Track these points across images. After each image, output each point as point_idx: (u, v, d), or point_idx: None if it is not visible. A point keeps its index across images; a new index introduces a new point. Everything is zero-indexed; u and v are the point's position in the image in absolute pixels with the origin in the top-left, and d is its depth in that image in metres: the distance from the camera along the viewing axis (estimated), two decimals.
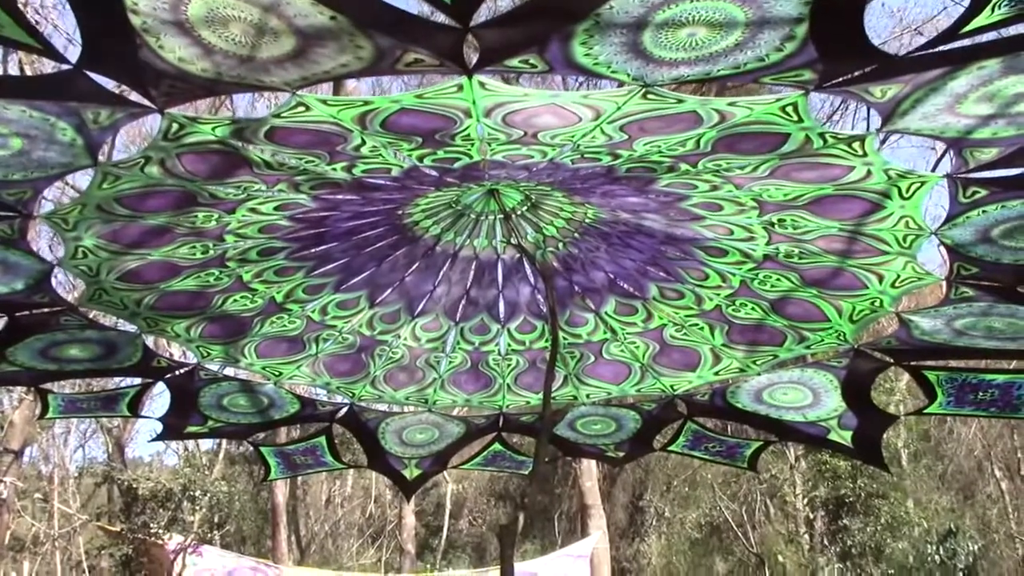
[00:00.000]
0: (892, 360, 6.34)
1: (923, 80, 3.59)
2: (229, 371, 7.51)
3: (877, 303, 5.78)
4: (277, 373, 7.20)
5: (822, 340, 6.40)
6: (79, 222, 4.91)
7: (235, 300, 6.17)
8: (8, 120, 3.73)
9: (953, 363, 6.35)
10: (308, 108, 3.94)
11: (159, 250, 5.39)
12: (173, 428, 7.71)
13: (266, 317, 6.50)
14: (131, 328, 6.23)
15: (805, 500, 27.07)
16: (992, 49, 3.41)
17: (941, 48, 3.33)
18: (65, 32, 16.13)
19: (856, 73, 3.54)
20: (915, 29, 18.94)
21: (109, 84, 3.64)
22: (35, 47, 3.18)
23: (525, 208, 5.89)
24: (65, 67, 3.28)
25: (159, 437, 7.83)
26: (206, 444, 30.91)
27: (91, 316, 5.96)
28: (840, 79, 3.60)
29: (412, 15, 3.31)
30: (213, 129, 4.21)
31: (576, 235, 6.18)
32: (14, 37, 3.08)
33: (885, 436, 7.21)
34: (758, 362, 6.84)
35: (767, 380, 6.95)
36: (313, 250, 5.98)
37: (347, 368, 7.35)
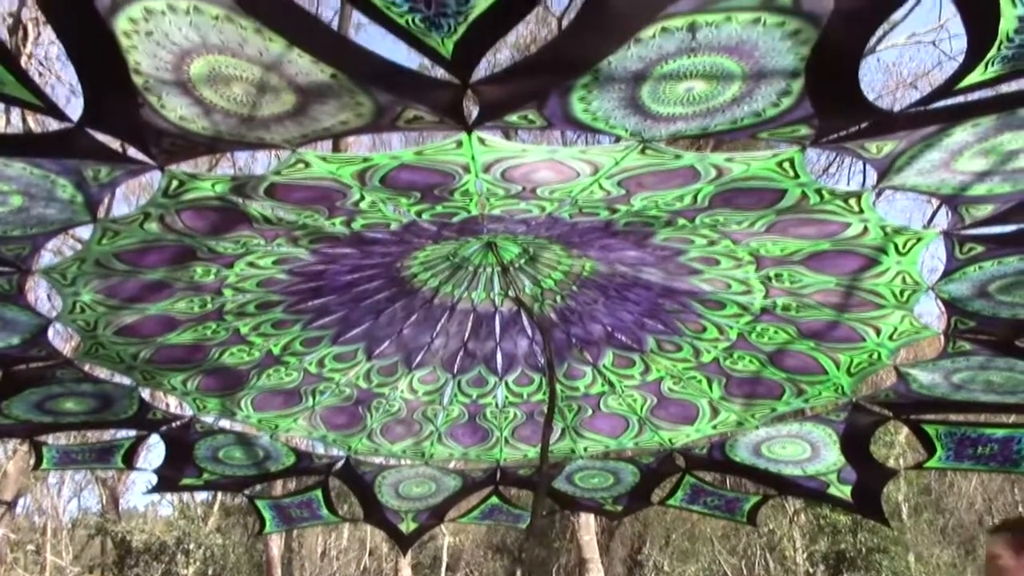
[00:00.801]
0: (891, 414, 6.31)
1: (919, 136, 3.62)
2: (225, 423, 7.45)
3: (875, 356, 5.77)
4: (273, 426, 7.16)
5: (820, 393, 6.37)
6: (77, 277, 4.91)
7: (232, 353, 6.15)
8: (9, 177, 3.75)
9: (952, 417, 6.32)
10: (308, 165, 3.96)
11: (157, 304, 5.38)
12: (168, 480, 7.64)
13: (263, 370, 6.47)
14: (127, 381, 6.19)
15: (805, 554, 26.82)
16: (987, 106, 3.43)
17: (936, 104, 3.35)
18: (68, 83, 16.25)
19: (852, 129, 3.56)
20: (910, 83, 19.16)
21: (110, 141, 3.66)
22: (37, 105, 3.19)
23: (523, 261, 5.91)
24: (67, 125, 3.30)
25: (154, 489, 7.76)
26: (201, 495, 30.67)
27: (87, 369, 5.92)
28: (836, 135, 3.62)
29: (412, 71, 3.34)
30: (213, 186, 4.23)
31: (574, 288, 6.19)
32: (17, 95, 3.10)
33: (885, 490, 7.16)
34: (756, 415, 6.82)
35: (765, 433, 6.92)
36: (311, 303, 5.98)
37: (344, 421, 7.31)
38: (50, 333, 5.38)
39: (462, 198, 4.44)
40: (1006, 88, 3.28)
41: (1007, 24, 2.72)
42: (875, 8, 2.76)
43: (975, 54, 2.89)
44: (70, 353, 5.88)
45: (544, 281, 6.14)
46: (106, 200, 4.29)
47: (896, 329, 5.44)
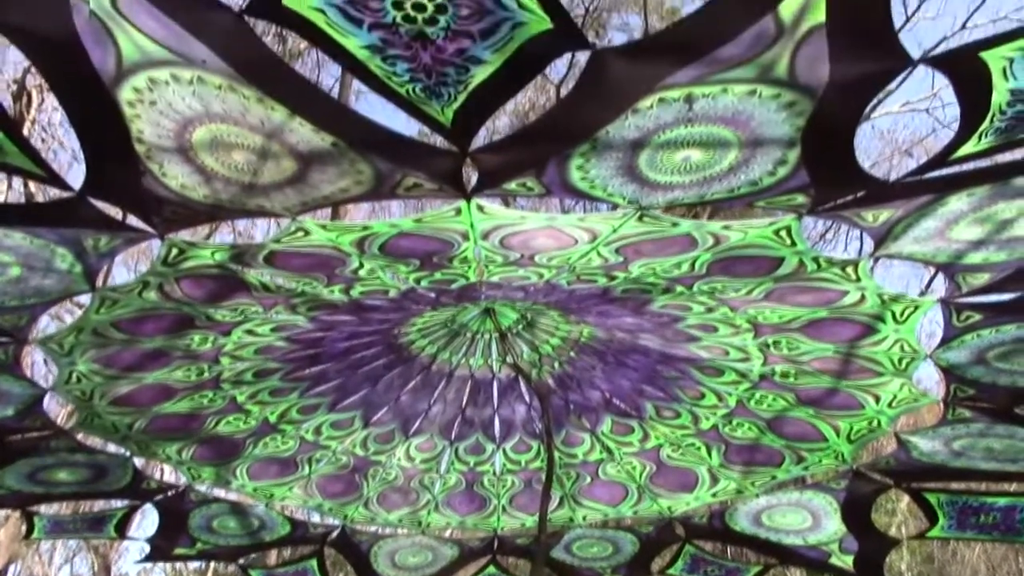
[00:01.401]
0: (892, 482, 6.25)
1: (914, 205, 3.65)
2: (219, 492, 7.36)
3: (875, 423, 5.74)
4: (269, 495, 7.07)
5: (820, 460, 6.32)
6: (74, 347, 4.88)
7: (228, 422, 6.10)
8: (8, 248, 3.75)
9: (954, 485, 6.25)
10: (308, 233, 3.97)
11: (154, 373, 5.35)
12: (161, 550, 7.51)
13: (259, 438, 6.41)
14: (121, 451, 6.13)
15: None
16: (981, 175, 3.47)
17: (931, 174, 3.38)
18: (71, 149, 16.38)
19: (848, 198, 3.59)
20: (905, 151, 19.36)
21: (110, 209, 3.67)
22: (40, 175, 3.21)
23: (521, 327, 5.91)
24: (69, 194, 3.31)
25: (147, 559, 7.61)
26: (194, 563, 30.13)
27: (80, 438, 5.86)
28: (832, 203, 3.64)
29: (412, 139, 3.37)
30: (212, 254, 4.24)
31: (572, 353, 6.17)
32: (20, 165, 3.12)
33: (888, 559, 7.05)
34: (756, 483, 6.75)
35: (766, 502, 6.84)
36: (308, 370, 5.95)
37: (340, 489, 7.22)
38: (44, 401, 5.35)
39: (461, 265, 4.45)
40: (999, 158, 3.31)
41: (999, 97, 2.77)
42: (869, 81, 2.80)
43: (969, 126, 2.93)
44: (64, 422, 5.82)
45: (542, 347, 6.13)
46: (104, 268, 4.28)
47: (895, 397, 5.42)
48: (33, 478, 6.00)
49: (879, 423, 5.73)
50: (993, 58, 2.63)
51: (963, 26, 16.69)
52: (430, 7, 2.48)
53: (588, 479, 7.24)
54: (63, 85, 2.86)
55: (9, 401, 5.06)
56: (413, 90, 2.84)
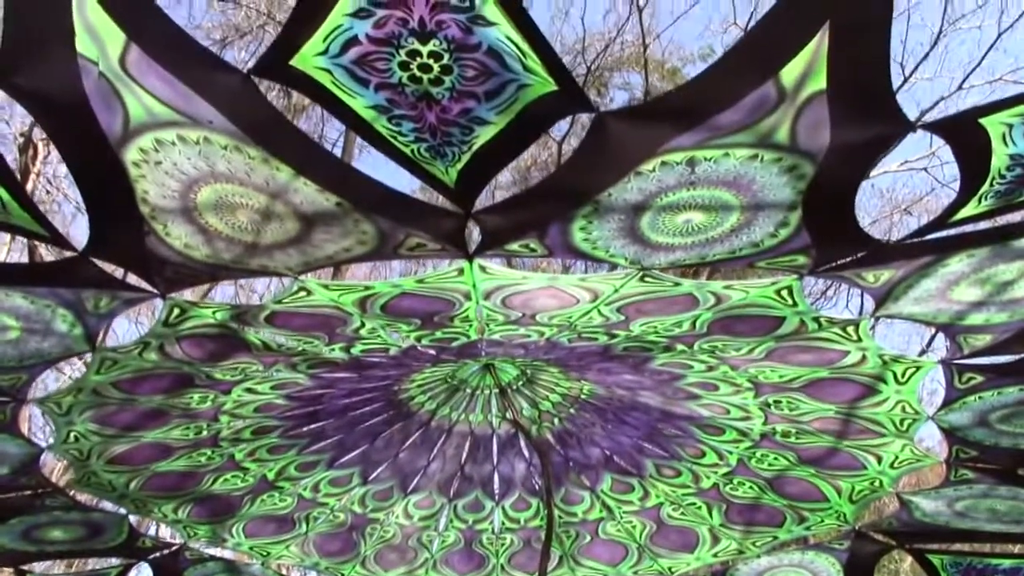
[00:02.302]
0: (895, 543, 6.19)
1: (915, 266, 3.66)
2: (215, 551, 7.27)
3: (876, 483, 5.69)
4: (265, 553, 6.99)
5: (822, 520, 6.26)
6: (73, 407, 4.85)
7: (226, 479, 6.05)
8: (7, 309, 3.74)
9: (957, 546, 6.20)
10: (310, 292, 3.98)
11: (152, 432, 5.31)
12: None
13: (256, 495, 6.35)
14: (117, 509, 6.07)
15: None
16: (981, 237, 3.49)
17: (931, 236, 3.40)
18: (74, 202, 16.43)
19: (849, 259, 3.60)
20: (904, 209, 19.46)
21: (112, 269, 3.68)
22: (43, 235, 3.22)
23: (521, 383, 5.88)
24: (71, 254, 3.32)
25: None
26: None
27: (75, 495, 5.80)
28: (833, 264, 3.66)
29: (416, 200, 3.39)
30: (213, 313, 4.24)
31: (572, 410, 6.14)
32: (24, 226, 3.13)
33: None
34: (757, 543, 6.68)
35: (767, 563, 6.77)
36: (307, 427, 5.91)
37: (337, 548, 7.14)
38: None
39: (462, 324, 4.45)
40: (999, 221, 3.34)
41: (999, 162, 2.80)
42: (870, 145, 2.82)
43: (968, 189, 2.96)
44: (59, 478, 5.77)
45: (542, 403, 6.10)
46: (104, 327, 4.27)
47: (897, 457, 5.39)
48: (27, 536, 5.92)
49: (881, 483, 5.69)
50: (992, 124, 2.66)
51: (959, 87, 16.91)
52: (436, 68, 2.52)
53: (588, 538, 7.16)
54: (70, 146, 2.88)
55: (5, 461, 5.01)
56: (418, 150, 2.86)
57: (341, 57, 2.51)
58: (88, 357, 4.50)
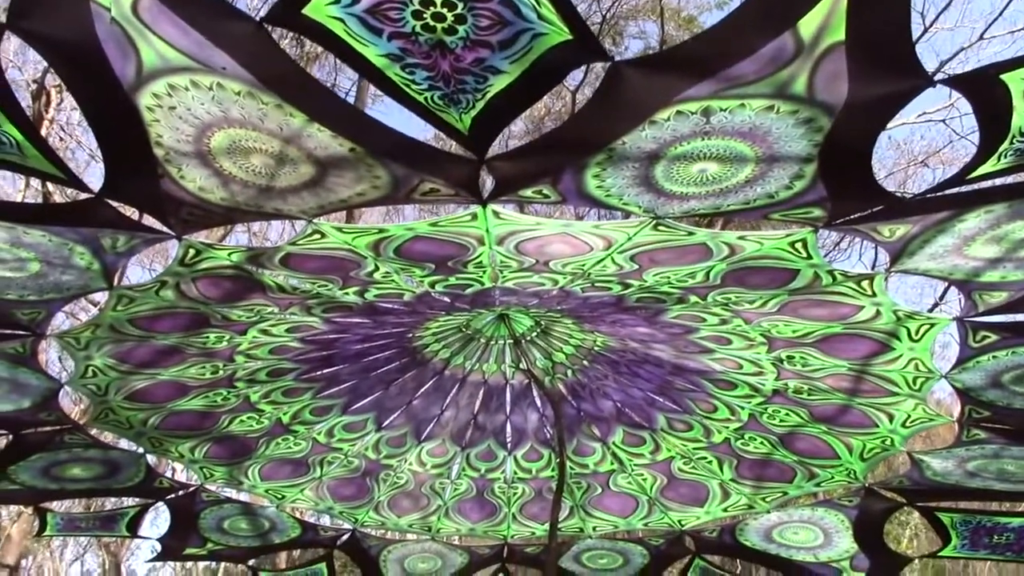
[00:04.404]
0: (904, 501, 6.22)
1: (931, 221, 3.63)
2: (231, 493, 7.39)
3: (888, 442, 5.71)
4: (280, 496, 7.10)
5: (832, 477, 6.30)
6: (91, 342, 4.93)
7: (241, 421, 6.13)
8: (27, 244, 3.79)
9: (967, 505, 6.22)
10: (324, 235, 4.00)
11: (169, 370, 5.39)
12: (171, 549, 7.55)
13: (272, 439, 6.44)
14: (135, 448, 6.17)
15: None
16: (998, 194, 3.45)
17: (948, 191, 3.37)
18: (88, 149, 16.46)
19: (864, 213, 3.58)
20: (921, 161, 19.22)
21: (128, 210, 3.70)
22: (59, 177, 3.24)
23: (535, 334, 5.91)
24: (87, 195, 3.34)
25: (157, 558, 7.66)
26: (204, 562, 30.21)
27: (94, 434, 5.90)
28: (849, 218, 3.64)
29: (429, 146, 3.39)
30: (229, 255, 4.27)
31: (585, 362, 6.17)
32: (41, 168, 3.15)
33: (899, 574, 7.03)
34: (767, 499, 6.73)
35: (777, 518, 6.83)
36: (322, 372, 5.98)
37: (351, 493, 7.25)
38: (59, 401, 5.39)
39: (476, 270, 4.46)
40: (1018, 177, 3.30)
41: (1019, 119, 2.75)
42: (888, 99, 2.79)
43: (988, 146, 2.92)
44: (79, 418, 5.86)
45: (555, 355, 6.13)
46: (122, 266, 4.32)
47: (909, 416, 5.39)
48: (47, 473, 6.04)
49: (892, 442, 5.70)
50: (1014, 80, 2.62)
51: (980, 37, 16.61)
52: (449, 17, 2.50)
53: (599, 490, 7.24)
54: (83, 90, 2.89)
55: (26, 393, 5.11)
56: (431, 98, 2.85)
57: (354, 6, 2.49)
58: (104, 297, 4.56)
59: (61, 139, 15.89)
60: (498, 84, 2.76)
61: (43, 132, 13.87)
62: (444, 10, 2.48)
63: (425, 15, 2.49)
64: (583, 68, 15.63)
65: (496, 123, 3.03)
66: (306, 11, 2.50)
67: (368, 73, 2.79)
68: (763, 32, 2.55)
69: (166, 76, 2.78)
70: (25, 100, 14.37)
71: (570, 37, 2.54)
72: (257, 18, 2.56)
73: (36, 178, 3.36)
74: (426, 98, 2.85)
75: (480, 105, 2.88)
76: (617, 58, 2.68)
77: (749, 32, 2.57)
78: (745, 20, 2.55)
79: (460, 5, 2.46)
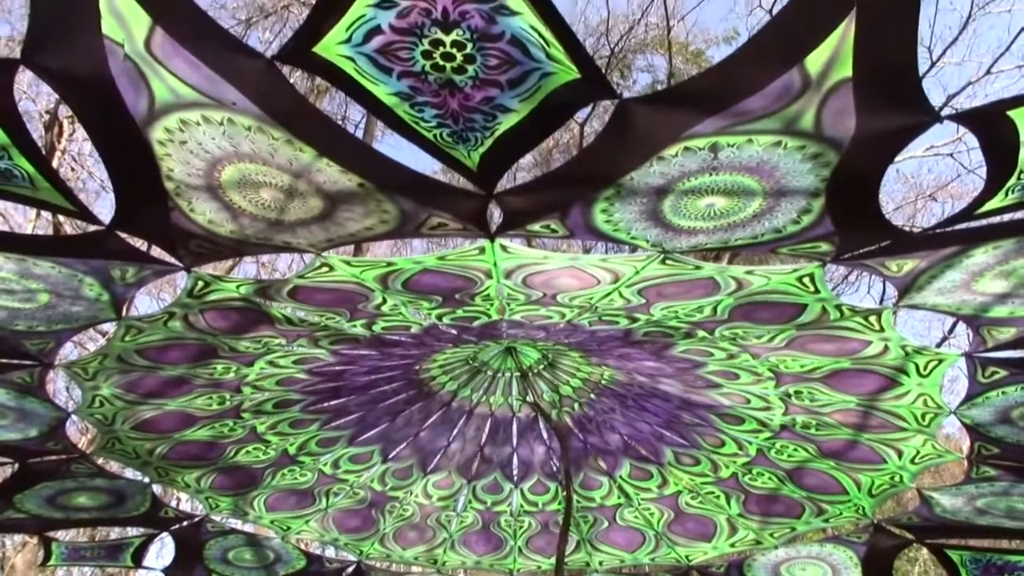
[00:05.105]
0: (913, 538, 6.17)
1: (939, 256, 3.63)
2: (236, 524, 7.37)
3: (897, 478, 5.67)
4: (285, 527, 7.08)
5: (841, 513, 6.25)
6: (99, 372, 4.94)
7: (248, 451, 6.12)
8: (36, 276, 3.81)
9: (976, 543, 6.16)
10: (332, 268, 4.01)
11: (176, 400, 5.39)
12: None
13: (278, 469, 6.43)
14: (141, 477, 6.16)
15: None
16: (1007, 229, 3.45)
17: (956, 226, 3.37)
18: (100, 179, 16.57)
19: (872, 247, 3.58)
20: (929, 195, 19.23)
21: (137, 242, 3.72)
22: (70, 210, 3.26)
23: (542, 367, 5.90)
24: (98, 227, 3.36)
25: None
26: None
27: (100, 463, 5.90)
28: (856, 252, 3.64)
29: (438, 181, 3.41)
30: (237, 287, 4.28)
31: (592, 396, 6.16)
32: (51, 200, 3.17)
33: None
34: (775, 534, 6.68)
35: (784, 554, 6.77)
36: (329, 403, 5.97)
37: (356, 524, 7.22)
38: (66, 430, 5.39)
39: (483, 303, 4.47)
40: None
41: None
42: (895, 135, 2.79)
43: (995, 182, 2.92)
44: (86, 447, 5.87)
45: (562, 388, 6.11)
46: (131, 297, 4.34)
47: (918, 452, 5.35)
48: (53, 502, 6.03)
49: (901, 478, 5.66)
50: (1020, 117, 2.63)
51: (988, 71, 16.66)
52: (459, 57, 2.52)
53: (605, 524, 7.19)
54: (96, 124, 2.91)
55: (33, 422, 5.11)
56: (440, 135, 2.87)
57: (364, 46, 2.52)
58: (112, 327, 4.57)
59: (73, 169, 16.01)
60: (507, 122, 2.78)
61: (55, 163, 13.99)
62: (454, 50, 2.50)
63: (435, 55, 2.52)
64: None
65: (505, 160, 3.05)
66: (316, 50, 2.53)
67: (377, 111, 2.81)
68: (771, 68, 2.56)
69: (178, 111, 2.80)
70: (38, 131, 14.50)
71: (579, 76, 2.56)
72: (268, 56, 2.58)
73: (47, 210, 3.39)
74: (435, 135, 2.87)
75: (489, 142, 2.89)
76: (625, 94, 2.70)
77: (757, 68, 2.58)
78: (752, 57, 2.56)
79: (470, 45, 2.48)
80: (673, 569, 7.45)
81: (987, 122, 2.77)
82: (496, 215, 3.51)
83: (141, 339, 4.67)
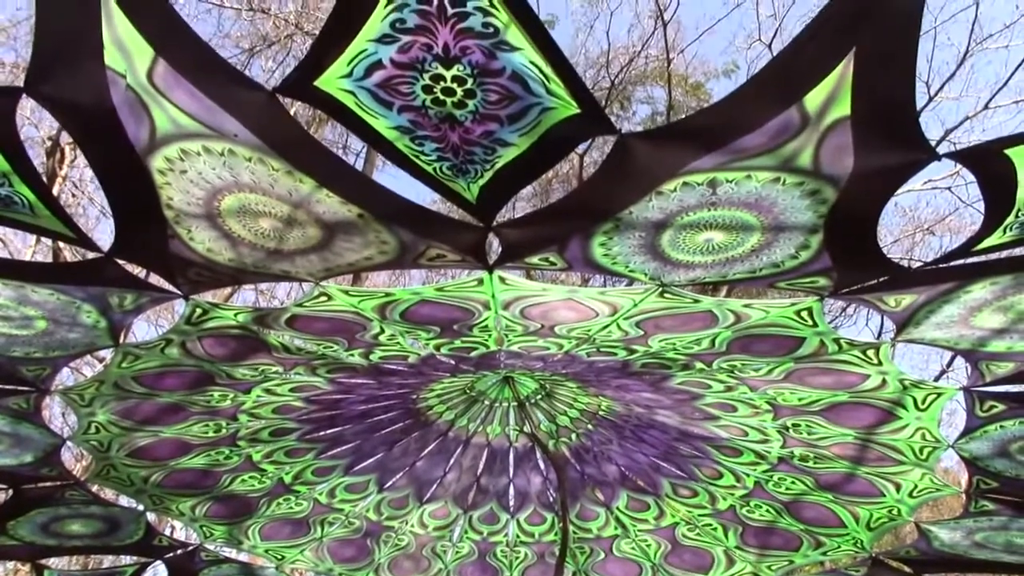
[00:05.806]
0: (911, 571, 6.13)
1: (937, 291, 3.64)
2: (231, 553, 7.32)
3: (895, 512, 5.64)
4: (280, 557, 7.02)
5: (839, 546, 6.21)
6: (95, 398, 4.92)
7: (243, 480, 6.09)
8: (34, 302, 3.81)
9: None
10: (330, 298, 4.01)
11: (172, 427, 5.37)
12: None
13: (273, 498, 6.39)
14: (135, 505, 6.13)
15: None
16: (1005, 265, 3.46)
17: (954, 262, 3.39)
18: (100, 205, 16.58)
19: (870, 283, 3.59)
20: (927, 229, 19.22)
21: (136, 269, 3.73)
22: (70, 237, 3.27)
23: (539, 397, 5.88)
24: (97, 255, 3.37)
25: None
26: None
27: (95, 490, 5.87)
28: (854, 287, 3.65)
29: (436, 213, 3.42)
30: (235, 315, 4.28)
31: (589, 426, 6.14)
32: (51, 227, 3.17)
33: None
34: (773, 567, 6.64)
35: None
36: (325, 432, 5.94)
37: (351, 554, 7.16)
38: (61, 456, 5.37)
39: (481, 334, 4.47)
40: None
41: None
42: (893, 172, 2.81)
43: (993, 219, 2.94)
44: (80, 474, 5.84)
45: (560, 418, 6.09)
46: (128, 324, 4.34)
47: (916, 486, 5.33)
48: (46, 529, 5.99)
49: (899, 512, 5.64)
50: (1018, 155, 2.64)
51: (985, 106, 16.71)
52: (459, 92, 2.54)
53: (602, 555, 7.15)
54: (97, 153, 2.93)
55: (28, 448, 5.09)
56: (440, 168, 2.89)
57: (365, 80, 2.54)
58: (109, 353, 4.56)
59: (73, 195, 16.03)
60: (507, 156, 2.79)
61: (56, 189, 14.03)
62: (454, 85, 2.52)
63: (435, 89, 2.54)
64: None
65: (504, 193, 3.07)
66: (318, 83, 2.55)
67: (378, 144, 2.83)
68: (770, 106, 2.58)
69: (179, 141, 2.82)
70: (39, 157, 14.54)
71: (578, 111, 2.58)
72: (270, 88, 2.60)
73: (47, 237, 3.40)
74: (435, 168, 2.89)
75: (488, 175, 2.91)
76: (625, 126, 2.71)
77: (756, 106, 2.60)
78: (752, 95, 2.59)
79: (470, 80, 2.50)
80: None
81: (985, 161, 2.79)
82: (495, 247, 3.52)
83: (138, 366, 4.66)
